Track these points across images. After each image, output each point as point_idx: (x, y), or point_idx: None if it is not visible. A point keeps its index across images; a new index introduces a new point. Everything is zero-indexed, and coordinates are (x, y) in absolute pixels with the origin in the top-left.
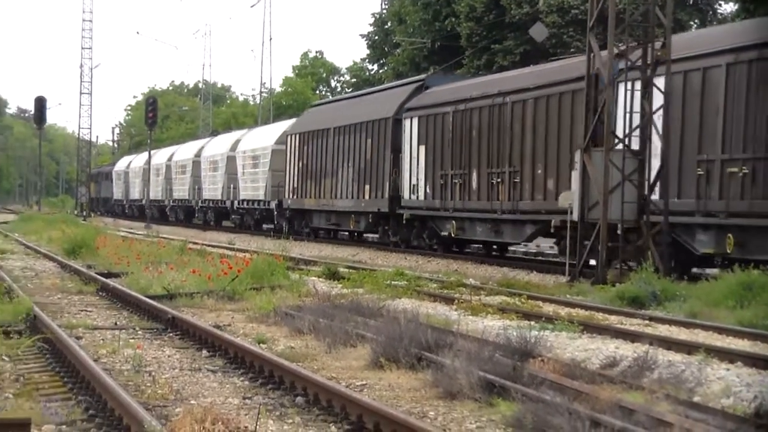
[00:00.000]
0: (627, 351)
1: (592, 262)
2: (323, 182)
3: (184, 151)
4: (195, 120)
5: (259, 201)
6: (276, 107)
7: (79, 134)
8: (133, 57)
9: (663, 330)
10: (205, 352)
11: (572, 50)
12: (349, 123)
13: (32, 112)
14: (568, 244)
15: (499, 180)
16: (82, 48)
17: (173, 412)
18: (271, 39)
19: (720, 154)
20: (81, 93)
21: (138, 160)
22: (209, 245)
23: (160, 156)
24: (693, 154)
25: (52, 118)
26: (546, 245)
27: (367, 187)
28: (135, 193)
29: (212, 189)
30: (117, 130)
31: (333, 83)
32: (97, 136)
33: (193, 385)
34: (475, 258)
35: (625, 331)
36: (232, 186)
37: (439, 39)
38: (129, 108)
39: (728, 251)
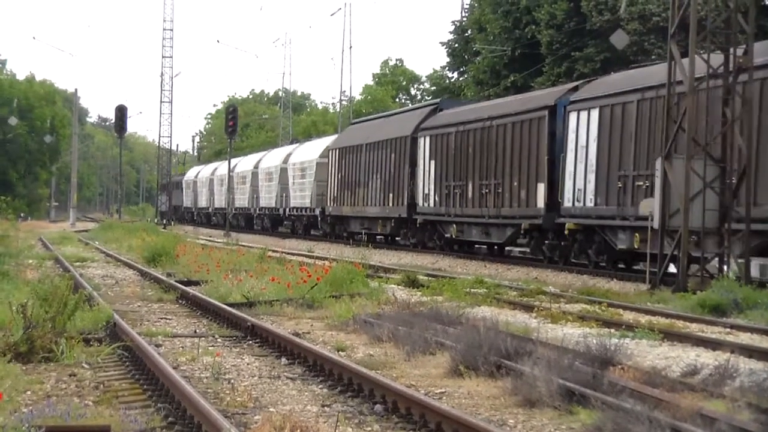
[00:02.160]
0: (708, 359)
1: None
2: (357, 192)
3: (244, 163)
4: (275, 128)
5: (306, 208)
6: (356, 115)
7: (159, 143)
8: (214, 66)
9: (745, 338)
10: (284, 360)
11: (653, 57)
12: (377, 140)
13: (113, 121)
14: (660, 251)
15: (487, 190)
16: (163, 57)
17: (252, 420)
18: (351, 47)
19: (632, 170)
20: (161, 101)
21: (205, 170)
22: (288, 253)
23: (223, 167)
24: (615, 170)
25: (132, 126)
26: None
27: (391, 195)
28: (202, 202)
29: (268, 198)
30: (197, 139)
31: (413, 91)
32: (178, 145)
33: (272, 392)
34: (554, 266)
35: (707, 339)
36: (284, 195)
37: (520, 47)
38: (209, 116)
39: (636, 246)
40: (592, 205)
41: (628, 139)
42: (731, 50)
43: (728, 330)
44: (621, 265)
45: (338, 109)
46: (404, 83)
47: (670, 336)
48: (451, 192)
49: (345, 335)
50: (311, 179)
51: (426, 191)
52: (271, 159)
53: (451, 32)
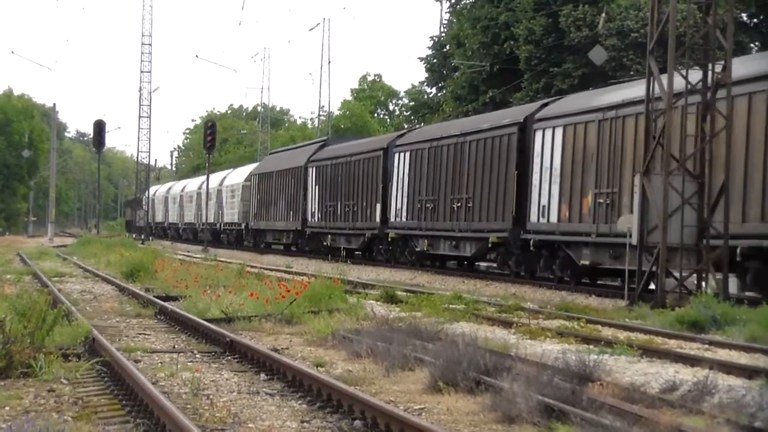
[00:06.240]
0: (687, 375)
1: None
2: (270, 209)
3: (192, 185)
4: (254, 143)
5: (235, 223)
6: (334, 130)
7: (137, 158)
8: (192, 80)
9: (723, 354)
10: (263, 376)
11: (632, 73)
12: (282, 168)
13: (91, 136)
14: (638, 268)
15: (348, 209)
16: (141, 71)
17: None
18: (329, 62)
19: (425, 196)
20: (140, 116)
21: (161, 189)
22: (267, 268)
23: (176, 187)
24: (417, 196)
25: (111, 141)
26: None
27: (291, 213)
28: (159, 217)
29: (209, 215)
30: (176, 154)
31: (391, 106)
32: (156, 160)
33: (251, 408)
34: (533, 282)
35: (685, 355)
36: (220, 212)
37: (498, 62)
38: (188, 131)
39: (425, 249)
40: (405, 220)
41: (424, 175)
42: (710, 66)
43: (707, 346)
44: (427, 262)
45: (317, 125)
46: (383, 98)
47: (649, 352)
48: (328, 210)
49: (324, 351)
50: (239, 199)
51: (313, 209)
52: (212, 182)
53: (429, 47)
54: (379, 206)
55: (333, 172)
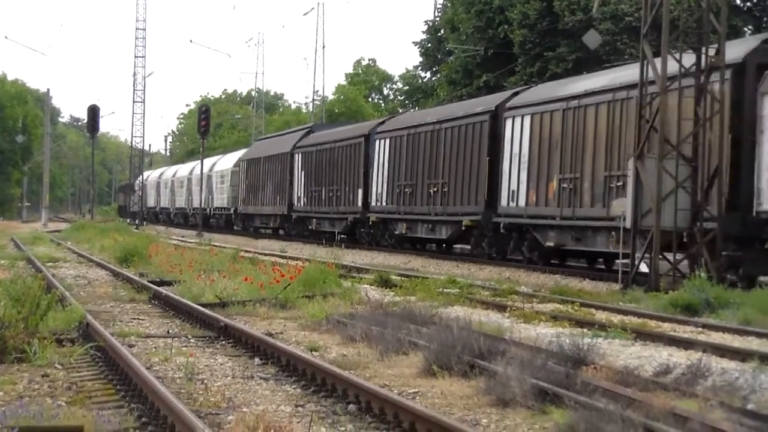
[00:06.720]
0: (680, 358)
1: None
2: (258, 194)
3: (183, 170)
4: (248, 128)
5: (225, 208)
6: (328, 115)
7: (132, 143)
8: (187, 65)
9: (716, 337)
10: (257, 360)
11: (626, 57)
12: (269, 154)
13: (85, 121)
14: (632, 251)
15: (332, 194)
16: (136, 56)
17: (225, 420)
18: (324, 47)
19: (403, 182)
20: (134, 101)
21: (154, 174)
22: (261, 253)
23: (168, 173)
24: (396, 182)
25: (105, 126)
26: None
27: (278, 197)
28: (151, 202)
29: (201, 199)
30: (170, 139)
31: (386, 91)
32: (150, 145)
33: (246, 392)
34: (527, 266)
35: (679, 338)
36: (210, 197)
37: (492, 46)
38: (182, 116)
39: (404, 232)
40: (385, 204)
41: (403, 161)
42: (703, 49)
43: (700, 329)
44: (407, 245)
45: (311, 109)
46: (377, 83)
47: (643, 335)
48: (314, 195)
49: (318, 335)
50: (228, 184)
51: (299, 194)
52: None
53: (424, 32)
54: (360, 191)
55: (318, 158)
